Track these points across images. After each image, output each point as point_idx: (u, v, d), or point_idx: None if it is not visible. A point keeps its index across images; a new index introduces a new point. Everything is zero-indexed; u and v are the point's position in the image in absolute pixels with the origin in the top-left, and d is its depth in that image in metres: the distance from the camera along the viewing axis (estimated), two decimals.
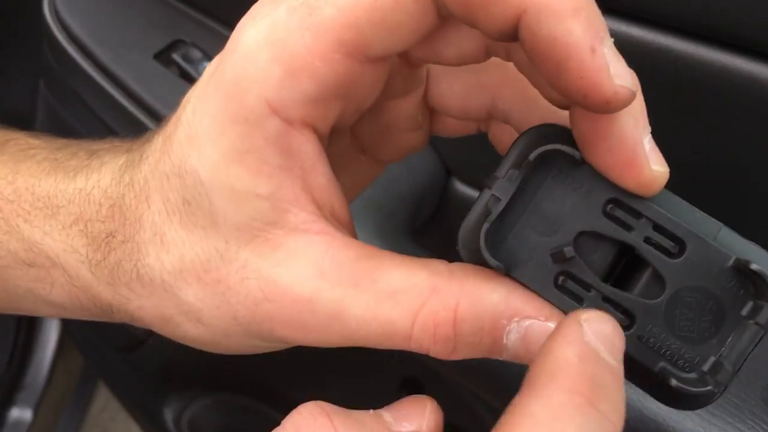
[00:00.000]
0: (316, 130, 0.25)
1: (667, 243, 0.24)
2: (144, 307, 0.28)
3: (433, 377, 0.53)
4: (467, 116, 0.29)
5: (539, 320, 0.24)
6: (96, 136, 0.34)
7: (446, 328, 0.24)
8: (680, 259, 0.23)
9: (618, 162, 0.23)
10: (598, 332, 0.22)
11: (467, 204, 0.34)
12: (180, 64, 0.52)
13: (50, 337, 0.97)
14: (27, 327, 0.96)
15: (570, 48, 0.21)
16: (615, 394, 0.21)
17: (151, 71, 0.52)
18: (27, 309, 0.32)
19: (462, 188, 0.49)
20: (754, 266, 0.22)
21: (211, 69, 0.27)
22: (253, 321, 0.26)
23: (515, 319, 0.24)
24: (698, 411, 0.36)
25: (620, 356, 0.22)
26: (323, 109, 0.25)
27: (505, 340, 0.24)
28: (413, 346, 0.24)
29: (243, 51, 0.24)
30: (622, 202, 0.24)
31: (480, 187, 0.25)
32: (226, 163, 0.25)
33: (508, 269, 0.24)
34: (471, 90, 0.28)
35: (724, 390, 0.24)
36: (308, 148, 0.25)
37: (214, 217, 0.25)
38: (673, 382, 0.23)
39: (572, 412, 0.20)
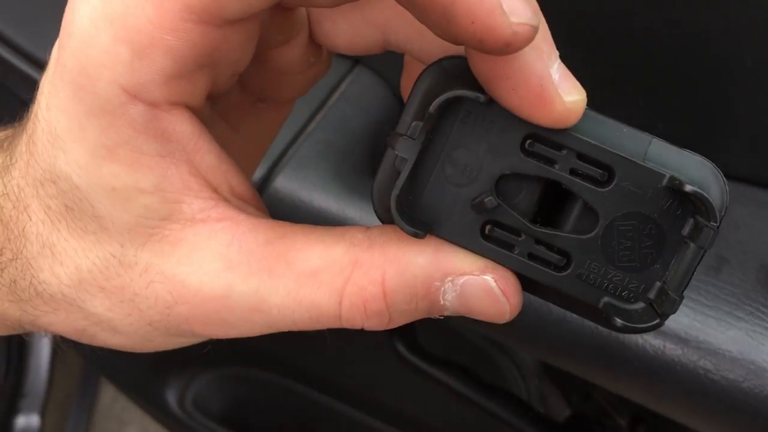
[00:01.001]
0: (188, 107, 0.22)
1: (594, 172, 0.22)
2: (54, 323, 0.26)
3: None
4: (359, 51, 0.26)
5: (474, 275, 0.22)
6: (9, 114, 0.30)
7: (376, 302, 0.22)
8: (610, 187, 0.22)
9: (525, 100, 0.21)
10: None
11: None
12: None
13: (43, 340, 0.95)
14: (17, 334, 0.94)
15: None
16: None
17: None
18: None
19: None
20: (688, 188, 0.21)
21: (54, 55, 0.23)
22: (170, 324, 0.24)
23: (448, 278, 0.22)
24: (691, 304, 0.35)
25: None
26: (188, 83, 0.22)
27: (442, 301, 0.23)
28: (345, 325, 0.23)
29: (80, 33, 0.21)
30: (541, 136, 0.22)
31: (383, 146, 0.23)
32: (96, 162, 0.22)
33: (430, 228, 0.22)
34: (358, 27, 0.26)
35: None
36: (184, 128, 0.22)
37: (101, 222, 0.23)
38: (618, 322, 0.22)
39: None
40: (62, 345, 0.31)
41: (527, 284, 0.23)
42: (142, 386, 0.77)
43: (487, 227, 0.23)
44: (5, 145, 0.26)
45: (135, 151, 0.22)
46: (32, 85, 0.27)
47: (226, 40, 0.22)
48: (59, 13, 0.28)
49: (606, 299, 0.22)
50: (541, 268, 0.22)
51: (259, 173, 0.42)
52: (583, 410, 0.57)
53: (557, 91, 0.21)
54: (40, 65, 0.48)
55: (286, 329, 0.24)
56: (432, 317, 0.23)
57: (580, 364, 0.38)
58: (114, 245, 0.23)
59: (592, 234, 0.22)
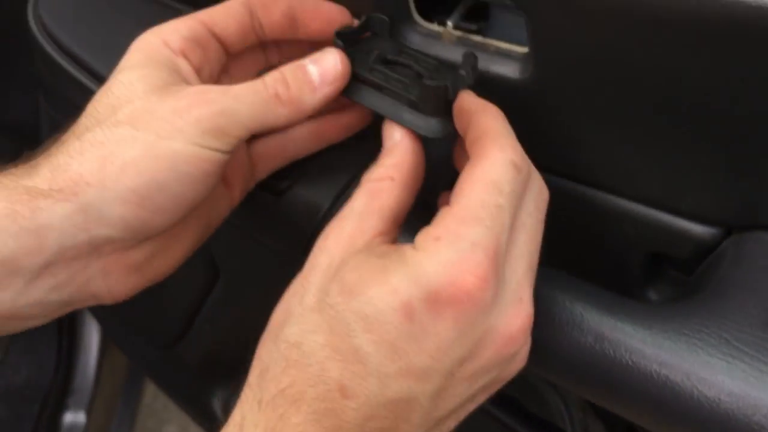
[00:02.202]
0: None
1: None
2: (87, 168, 0.34)
3: None
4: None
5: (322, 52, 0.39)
6: None
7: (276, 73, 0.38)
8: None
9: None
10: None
11: None
12: None
13: (92, 339, 0.98)
14: (69, 332, 0.97)
15: None
16: None
17: None
18: None
19: None
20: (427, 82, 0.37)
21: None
22: (175, 122, 0.35)
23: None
24: (747, 359, 0.35)
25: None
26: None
27: (308, 68, 0.38)
28: (270, 90, 0.37)
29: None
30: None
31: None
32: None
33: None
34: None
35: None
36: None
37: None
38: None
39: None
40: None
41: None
42: (188, 392, 0.79)
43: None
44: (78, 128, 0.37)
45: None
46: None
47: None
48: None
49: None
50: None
51: (324, 203, 0.43)
52: None
53: None
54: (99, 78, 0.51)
55: (250, 110, 0.36)
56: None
57: (626, 408, 0.39)
58: (138, 97, 0.36)
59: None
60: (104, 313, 0.81)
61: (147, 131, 0.34)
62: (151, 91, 0.36)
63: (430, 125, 0.37)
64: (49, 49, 0.53)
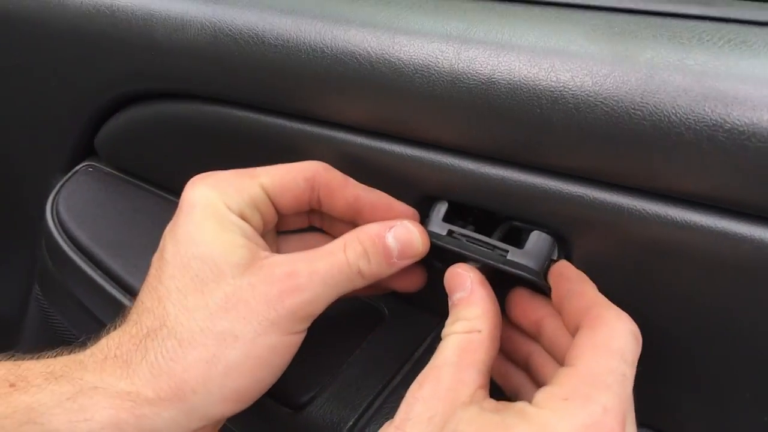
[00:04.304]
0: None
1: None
2: (188, 365, 0.34)
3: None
4: None
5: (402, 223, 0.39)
6: (88, 335, 0.39)
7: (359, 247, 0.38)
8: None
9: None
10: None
11: None
12: None
13: None
14: None
15: None
16: None
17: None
18: None
19: None
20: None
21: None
22: (270, 309, 0.35)
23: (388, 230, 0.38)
24: None
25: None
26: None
27: (389, 242, 0.38)
28: (353, 267, 0.37)
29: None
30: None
31: None
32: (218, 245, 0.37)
33: None
34: None
35: None
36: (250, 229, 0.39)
37: (219, 271, 0.36)
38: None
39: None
40: None
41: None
42: None
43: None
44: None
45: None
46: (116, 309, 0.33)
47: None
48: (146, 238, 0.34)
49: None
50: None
51: (346, 422, 0.41)
52: None
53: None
54: (129, 290, 0.50)
55: (334, 285, 0.37)
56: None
57: None
58: (227, 282, 0.36)
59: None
60: None
61: (245, 327, 0.35)
62: (236, 270, 0.36)
63: (538, 265, 0.38)
64: (60, 239, 0.53)
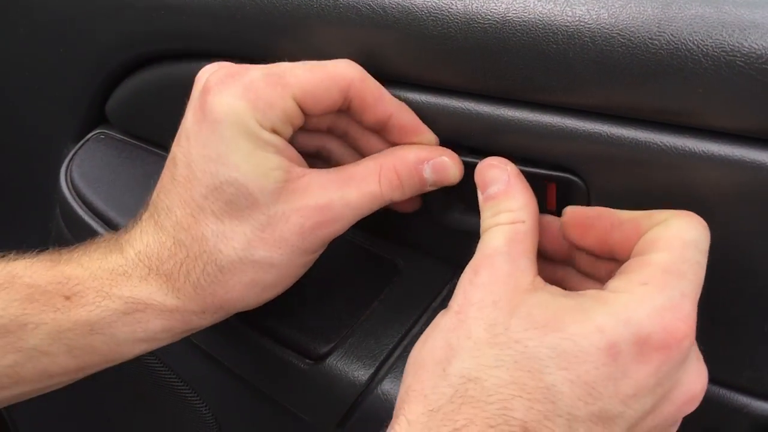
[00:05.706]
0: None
1: None
2: (230, 289, 0.39)
3: None
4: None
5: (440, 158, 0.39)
6: None
7: (396, 179, 0.39)
8: None
9: None
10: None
11: None
12: None
13: None
14: None
15: None
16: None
17: None
18: (124, 353, 0.40)
19: None
20: None
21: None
22: (305, 238, 0.38)
23: (426, 162, 0.39)
24: None
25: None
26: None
27: (426, 175, 0.39)
28: (385, 198, 0.39)
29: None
30: None
31: None
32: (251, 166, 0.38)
33: None
34: None
35: None
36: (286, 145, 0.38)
37: (253, 200, 0.37)
38: None
39: None
40: None
41: None
42: None
43: None
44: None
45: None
46: None
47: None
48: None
49: None
50: None
51: (366, 372, 0.41)
52: None
53: None
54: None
55: (361, 213, 0.38)
56: (422, 191, 0.40)
57: None
58: (261, 210, 0.37)
59: None
60: None
61: (280, 256, 0.38)
62: (270, 197, 0.37)
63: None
64: (75, 204, 0.53)
